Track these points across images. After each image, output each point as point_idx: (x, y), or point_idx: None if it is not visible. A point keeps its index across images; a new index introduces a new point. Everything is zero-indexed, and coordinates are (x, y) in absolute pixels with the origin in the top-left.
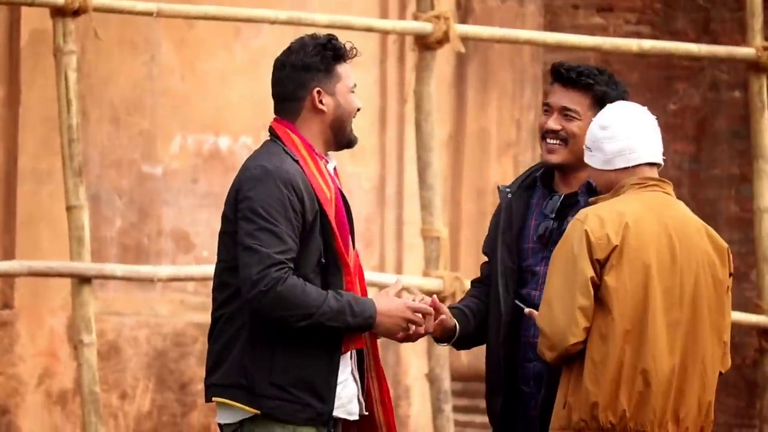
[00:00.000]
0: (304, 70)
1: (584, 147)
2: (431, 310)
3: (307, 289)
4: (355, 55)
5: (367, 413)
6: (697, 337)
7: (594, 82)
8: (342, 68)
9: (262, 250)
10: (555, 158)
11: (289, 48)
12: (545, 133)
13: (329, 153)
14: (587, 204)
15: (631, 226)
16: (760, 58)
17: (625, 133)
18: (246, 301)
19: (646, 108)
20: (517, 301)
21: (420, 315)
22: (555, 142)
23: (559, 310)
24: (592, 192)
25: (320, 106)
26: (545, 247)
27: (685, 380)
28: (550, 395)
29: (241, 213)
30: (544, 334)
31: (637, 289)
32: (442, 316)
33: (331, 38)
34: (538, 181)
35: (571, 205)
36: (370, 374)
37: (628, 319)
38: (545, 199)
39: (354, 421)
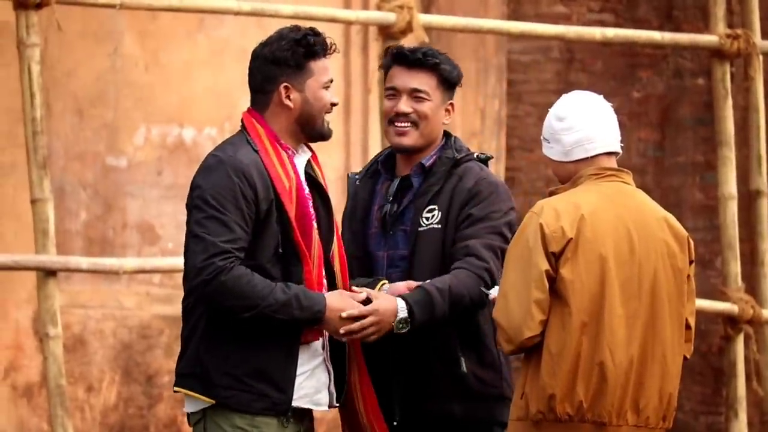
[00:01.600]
0: (274, 63)
1: (542, 138)
2: (376, 320)
3: (254, 279)
4: (334, 51)
5: (346, 405)
6: (656, 328)
7: (439, 61)
8: (316, 64)
9: (208, 239)
10: (407, 141)
11: (267, 38)
12: (395, 117)
13: (304, 145)
14: (421, 185)
15: (587, 217)
16: (723, 46)
17: (583, 124)
18: (191, 289)
19: (601, 96)
20: (482, 288)
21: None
22: (406, 125)
23: (514, 304)
24: (426, 172)
25: (286, 101)
26: (386, 231)
27: (644, 371)
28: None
29: (192, 201)
30: (500, 327)
31: (593, 281)
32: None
33: (307, 33)
34: (379, 166)
35: (407, 188)
36: (351, 364)
37: (585, 312)
38: (388, 183)
39: (343, 414)
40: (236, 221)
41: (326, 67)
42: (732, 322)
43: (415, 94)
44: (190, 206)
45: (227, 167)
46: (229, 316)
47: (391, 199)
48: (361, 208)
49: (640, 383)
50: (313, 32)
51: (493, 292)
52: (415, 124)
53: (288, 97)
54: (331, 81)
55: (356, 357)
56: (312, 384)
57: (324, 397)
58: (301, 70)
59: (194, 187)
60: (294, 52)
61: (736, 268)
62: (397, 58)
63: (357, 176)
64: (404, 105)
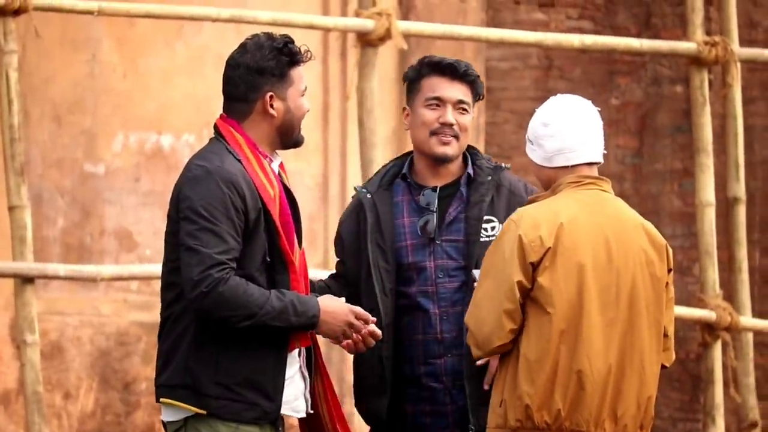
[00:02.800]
0: (259, 73)
1: (526, 138)
2: (373, 318)
3: (249, 289)
4: (310, 59)
5: (312, 411)
6: (634, 335)
7: (477, 75)
8: (295, 72)
9: (203, 251)
10: (451, 151)
11: (243, 46)
12: (439, 127)
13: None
14: (470, 195)
15: (565, 226)
16: (701, 53)
17: (567, 132)
18: (188, 302)
19: (589, 102)
20: (474, 272)
21: (361, 321)
22: (451, 136)
23: (486, 312)
24: (471, 183)
25: (271, 110)
26: (431, 241)
27: (622, 378)
28: (475, 389)
29: (182, 213)
30: (471, 333)
31: (571, 289)
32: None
33: (287, 41)
34: (408, 177)
35: (449, 197)
36: (315, 372)
37: (563, 320)
38: (413, 195)
39: (303, 419)
40: (228, 232)
41: (302, 75)
42: (710, 329)
43: (459, 106)
44: (180, 218)
45: (216, 178)
46: (224, 326)
47: (435, 210)
48: (386, 221)
49: (618, 391)
50: (289, 40)
51: (476, 273)
52: (456, 137)
53: (272, 105)
54: (306, 88)
55: (319, 363)
56: (291, 391)
57: (301, 404)
58: (283, 79)
59: (183, 198)
60: (278, 61)
61: (713, 275)
62: (438, 69)
63: (366, 189)
64: (451, 116)
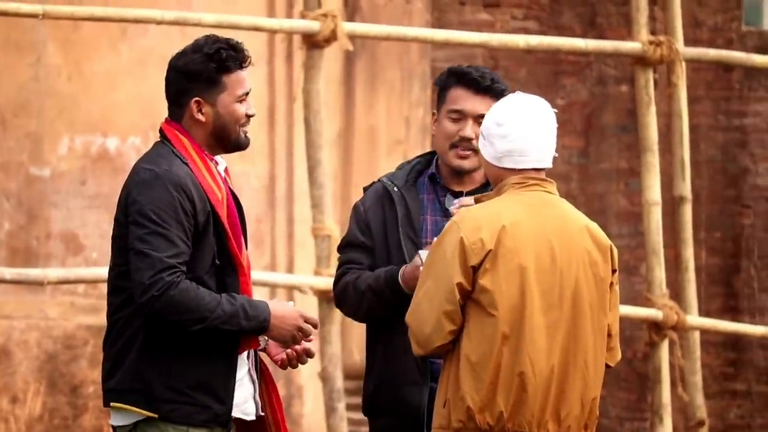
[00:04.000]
0: (186, 77)
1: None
2: (317, 324)
3: (200, 293)
4: (249, 64)
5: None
6: (578, 337)
7: (505, 88)
8: (229, 78)
9: (154, 255)
10: (468, 165)
11: (184, 49)
12: (458, 141)
13: (220, 155)
14: None
15: (507, 227)
16: (646, 53)
17: (518, 135)
18: (139, 306)
19: (546, 104)
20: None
21: (310, 326)
22: (469, 150)
23: (426, 312)
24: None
25: (198, 116)
26: None
27: (565, 380)
28: None
29: (131, 217)
30: (411, 332)
31: (513, 291)
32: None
33: (221, 47)
34: (436, 178)
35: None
36: (260, 375)
37: (505, 322)
38: (438, 195)
39: (246, 423)
40: (178, 236)
41: (240, 80)
42: (657, 328)
43: (480, 120)
44: (128, 222)
45: (165, 181)
46: (176, 330)
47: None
48: (415, 216)
49: (561, 392)
50: (228, 45)
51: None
52: (475, 150)
53: (200, 111)
54: (247, 93)
55: (263, 366)
56: (241, 393)
57: (251, 407)
58: (213, 85)
59: (132, 202)
60: (206, 67)
61: (660, 274)
62: (464, 81)
63: (392, 183)
64: (470, 130)
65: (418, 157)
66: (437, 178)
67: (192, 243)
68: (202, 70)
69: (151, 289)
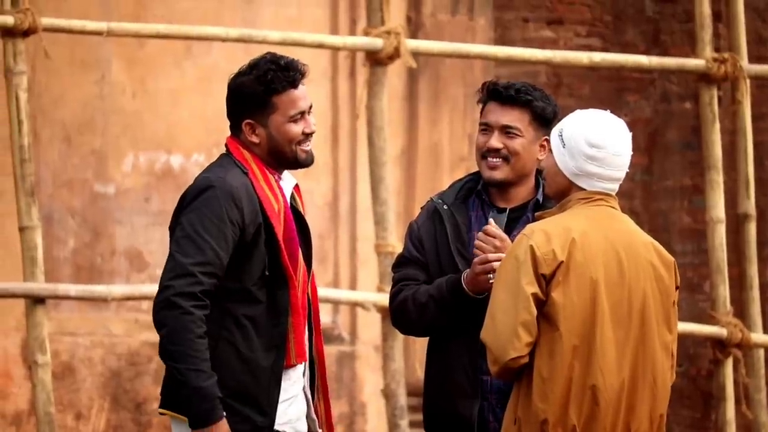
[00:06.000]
0: (238, 99)
1: (558, 136)
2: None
3: (197, 343)
4: (302, 81)
5: None
6: (646, 351)
7: (532, 98)
8: (280, 98)
9: (179, 258)
10: (498, 175)
11: (239, 69)
12: (486, 152)
13: (287, 171)
14: (534, 219)
15: (577, 241)
16: (710, 70)
17: (608, 164)
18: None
19: (630, 134)
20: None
21: None
22: (497, 160)
23: (501, 324)
24: (539, 209)
25: (252, 137)
26: None
27: (635, 394)
28: None
29: (180, 220)
30: (488, 348)
31: (584, 304)
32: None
33: (269, 69)
34: (482, 195)
35: (515, 219)
36: (317, 394)
37: (576, 335)
38: (485, 212)
39: None
40: (212, 246)
41: (293, 100)
42: (721, 345)
43: (506, 131)
44: (174, 225)
45: (216, 190)
46: (223, 339)
47: (502, 230)
48: (463, 232)
49: (631, 407)
50: (278, 65)
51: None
52: (506, 159)
53: (253, 132)
54: (301, 112)
55: (322, 387)
56: (294, 411)
57: (303, 425)
58: (263, 107)
59: (181, 207)
60: (254, 90)
61: (724, 291)
62: (492, 93)
63: (442, 201)
64: (495, 141)
65: (469, 174)
66: (482, 195)
67: (240, 252)
68: (251, 93)
69: (163, 292)
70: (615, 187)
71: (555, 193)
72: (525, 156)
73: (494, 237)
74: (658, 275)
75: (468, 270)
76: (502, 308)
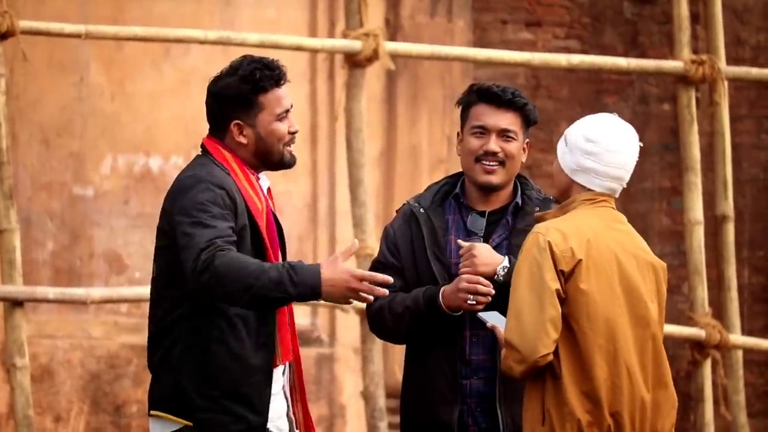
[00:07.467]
0: (223, 101)
1: (563, 137)
2: (381, 277)
3: (244, 261)
4: (286, 80)
5: None
6: (657, 350)
7: (526, 102)
8: (266, 97)
9: (195, 240)
10: (495, 179)
11: (221, 71)
12: (483, 155)
13: (264, 172)
14: (515, 223)
15: (591, 241)
16: (688, 71)
17: (604, 160)
18: (193, 291)
19: (637, 136)
20: (479, 314)
21: (365, 284)
22: (494, 164)
23: (528, 322)
24: (518, 212)
25: (240, 138)
26: None
27: (658, 394)
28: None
29: (177, 218)
30: (513, 347)
31: (606, 303)
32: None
33: (255, 68)
34: (460, 198)
35: (494, 223)
36: (294, 395)
37: (600, 335)
38: (462, 215)
39: None
40: (220, 222)
41: (278, 98)
42: (699, 347)
43: (505, 134)
44: (172, 227)
45: (207, 183)
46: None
47: (481, 233)
48: (441, 236)
49: (656, 405)
50: (263, 64)
51: (488, 319)
52: (502, 163)
53: (241, 133)
54: (287, 110)
55: (299, 388)
56: (275, 408)
57: (284, 424)
58: (250, 106)
59: (175, 207)
60: (241, 90)
61: (703, 293)
62: (485, 96)
63: (419, 205)
64: (494, 144)
65: (446, 177)
66: (461, 199)
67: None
68: (237, 94)
69: (195, 270)
70: (615, 187)
71: (558, 192)
72: (518, 159)
73: (468, 250)
74: (657, 277)
75: (447, 286)
76: (527, 306)
